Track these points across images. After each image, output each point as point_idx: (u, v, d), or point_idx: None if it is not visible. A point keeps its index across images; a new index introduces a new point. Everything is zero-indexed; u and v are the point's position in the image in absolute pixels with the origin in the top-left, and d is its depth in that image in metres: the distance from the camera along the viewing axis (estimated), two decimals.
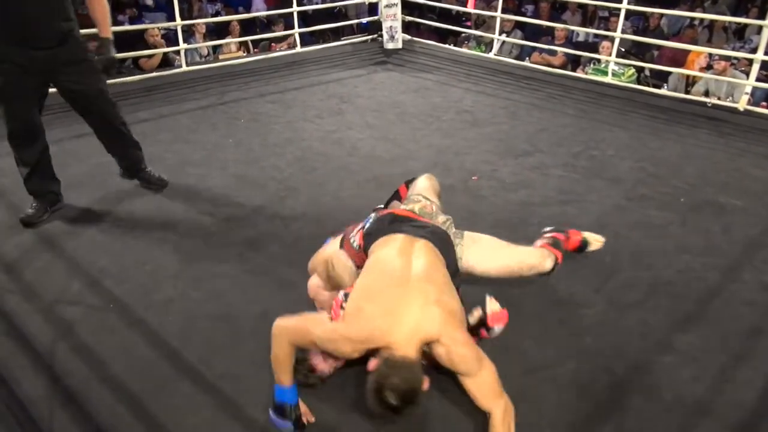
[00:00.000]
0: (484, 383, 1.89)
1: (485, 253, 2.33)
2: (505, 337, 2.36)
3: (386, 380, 1.73)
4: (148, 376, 2.23)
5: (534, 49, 7.06)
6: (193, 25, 6.89)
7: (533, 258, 2.39)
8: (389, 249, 2.15)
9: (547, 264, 2.39)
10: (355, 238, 2.36)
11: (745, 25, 7.57)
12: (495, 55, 6.98)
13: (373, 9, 7.51)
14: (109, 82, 5.62)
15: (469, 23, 8.63)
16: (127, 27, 7.37)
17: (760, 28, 5.58)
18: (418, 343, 1.86)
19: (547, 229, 2.68)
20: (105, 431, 2.00)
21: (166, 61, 6.44)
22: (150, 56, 6.27)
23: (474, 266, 2.32)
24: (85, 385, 2.19)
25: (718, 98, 5.44)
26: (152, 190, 3.66)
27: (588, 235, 2.69)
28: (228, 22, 7.49)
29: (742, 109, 5.14)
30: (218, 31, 7.79)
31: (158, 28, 6.49)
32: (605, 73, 6.04)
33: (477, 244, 2.34)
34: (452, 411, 2.09)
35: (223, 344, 2.41)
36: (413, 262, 2.08)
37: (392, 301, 1.91)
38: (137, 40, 6.35)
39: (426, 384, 1.83)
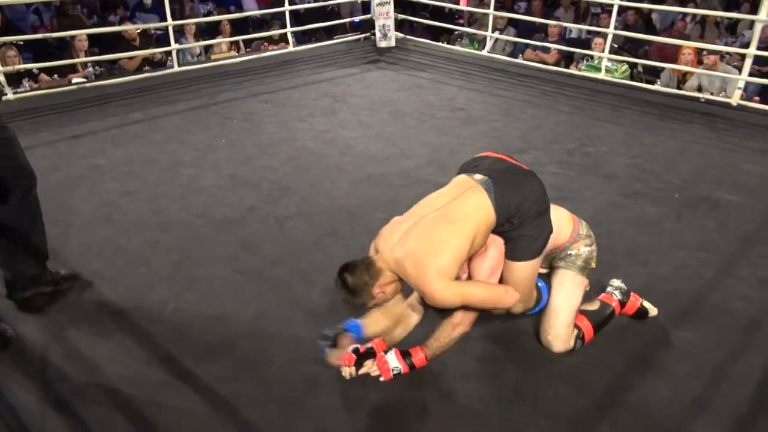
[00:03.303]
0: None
1: (570, 287, 2.29)
2: (503, 334, 2.35)
3: (355, 263, 2.06)
4: (142, 380, 2.21)
5: (527, 46, 7.06)
6: (183, 25, 6.85)
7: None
8: (441, 188, 2.16)
9: (559, 346, 2.29)
10: None
11: (737, 20, 7.58)
12: (488, 52, 6.97)
13: (365, 7, 7.51)
14: (103, 82, 5.64)
15: (461, 21, 8.61)
16: (113, 28, 7.29)
17: (752, 23, 5.59)
18: (388, 264, 2.04)
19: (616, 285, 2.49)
20: None
21: (155, 61, 6.41)
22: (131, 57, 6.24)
23: (563, 285, 2.29)
24: (78, 390, 2.16)
25: (711, 93, 5.45)
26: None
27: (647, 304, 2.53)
28: (220, 22, 7.45)
29: (735, 104, 5.14)
30: (210, 30, 7.75)
31: (150, 28, 6.45)
32: (598, 70, 6.03)
33: (577, 287, 2.30)
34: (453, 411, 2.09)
35: (217, 346, 2.39)
36: (434, 206, 2.07)
37: (395, 232, 2.08)
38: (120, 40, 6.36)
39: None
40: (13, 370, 2.26)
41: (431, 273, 1.94)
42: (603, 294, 2.46)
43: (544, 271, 2.42)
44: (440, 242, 1.96)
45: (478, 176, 2.09)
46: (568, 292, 2.28)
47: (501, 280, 2.17)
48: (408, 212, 2.12)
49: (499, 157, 2.18)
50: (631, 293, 2.47)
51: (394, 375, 2.14)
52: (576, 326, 2.30)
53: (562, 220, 2.29)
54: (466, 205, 2.02)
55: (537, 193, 2.09)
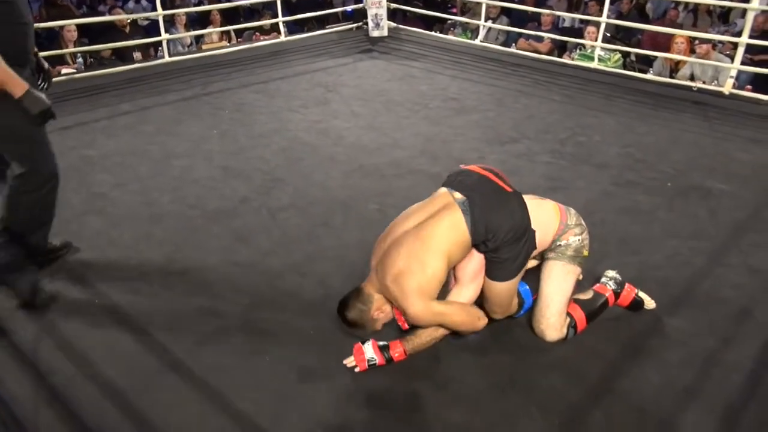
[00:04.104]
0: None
1: (561, 276, 2.27)
2: (496, 325, 2.36)
3: (347, 297, 2.15)
4: (134, 372, 2.20)
5: (520, 35, 7.03)
6: (174, 14, 6.79)
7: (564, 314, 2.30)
8: (422, 201, 2.20)
9: (553, 335, 2.29)
10: None
11: (730, 9, 7.58)
12: (481, 41, 6.95)
13: None
14: (93, 73, 5.60)
15: (455, 10, 8.58)
16: (102, 18, 7.23)
17: (744, 12, 5.59)
18: (376, 287, 2.12)
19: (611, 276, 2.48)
20: (91, 429, 1.97)
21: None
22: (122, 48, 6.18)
23: (554, 275, 2.28)
24: (71, 382, 2.15)
25: (703, 82, 5.45)
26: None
27: (643, 295, 2.51)
28: (210, 12, 7.39)
29: (727, 92, 5.16)
30: (201, 20, 7.69)
31: (140, 17, 6.40)
32: (591, 59, 6.03)
33: (568, 275, 2.28)
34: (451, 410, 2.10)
35: (210, 337, 2.38)
36: (411, 222, 2.11)
37: (378, 253, 2.15)
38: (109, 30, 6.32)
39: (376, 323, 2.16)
40: (5, 363, 2.24)
41: (412, 292, 2.00)
42: (597, 284, 2.45)
43: (535, 262, 2.42)
44: (418, 262, 2.01)
45: (458, 195, 2.11)
46: (558, 282, 2.27)
47: (482, 291, 2.22)
48: (388, 229, 2.17)
49: (485, 174, 2.18)
50: (627, 284, 2.46)
51: (369, 366, 2.16)
52: (569, 315, 2.31)
53: (548, 216, 2.25)
54: (441, 225, 2.06)
55: (516, 217, 2.09)
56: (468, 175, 2.19)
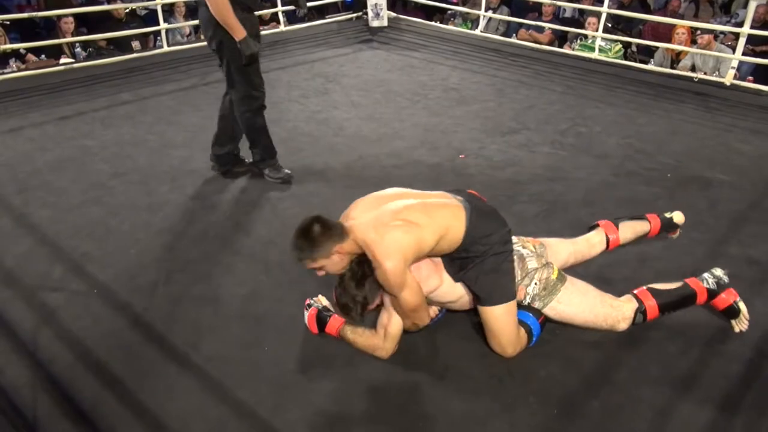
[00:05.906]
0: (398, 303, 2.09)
1: (576, 306, 2.21)
2: None
3: (328, 220, 2.06)
4: (133, 361, 2.20)
5: (521, 25, 7.00)
6: (173, 4, 6.74)
7: (616, 314, 2.21)
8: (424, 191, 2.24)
9: (621, 326, 2.21)
10: None
11: None
12: (481, 32, 6.92)
13: None
14: (91, 63, 5.58)
15: (455, 0, 8.52)
16: (100, 7, 7.18)
17: (746, 2, 5.56)
18: (353, 231, 2.04)
19: (718, 275, 2.35)
20: (90, 417, 1.97)
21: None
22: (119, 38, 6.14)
23: (560, 312, 2.21)
24: (70, 371, 2.16)
25: (705, 73, 5.43)
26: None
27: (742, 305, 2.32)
28: None
29: (728, 83, 5.14)
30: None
31: (136, 7, 6.37)
32: (592, 49, 6.00)
33: (568, 294, 2.21)
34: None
35: (209, 327, 2.38)
36: (414, 198, 2.13)
37: (372, 201, 2.17)
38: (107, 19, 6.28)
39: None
40: (3, 352, 2.25)
41: (397, 248, 1.96)
42: (694, 277, 2.33)
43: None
44: (416, 227, 2.00)
45: (459, 197, 2.18)
46: (575, 308, 2.21)
47: (484, 334, 2.21)
48: (384, 192, 2.22)
49: (472, 192, 2.29)
50: (730, 289, 2.30)
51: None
52: (638, 300, 2.23)
53: None
54: (445, 208, 2.10)
55: (505, 226, 2.19)
56: (459, 190, 2.27)
